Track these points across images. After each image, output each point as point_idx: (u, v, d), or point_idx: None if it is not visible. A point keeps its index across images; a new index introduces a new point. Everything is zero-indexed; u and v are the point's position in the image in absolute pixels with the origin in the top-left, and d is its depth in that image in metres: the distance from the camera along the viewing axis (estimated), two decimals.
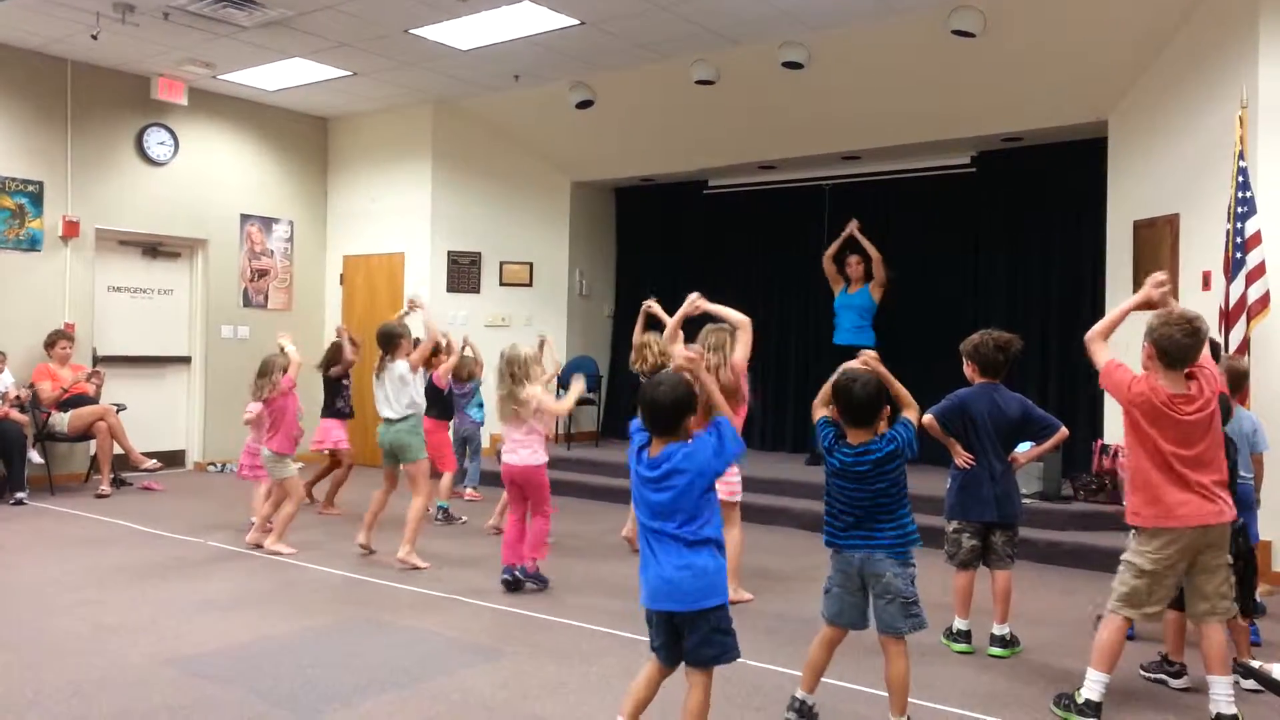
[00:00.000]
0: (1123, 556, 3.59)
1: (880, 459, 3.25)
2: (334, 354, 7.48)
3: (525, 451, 5.23)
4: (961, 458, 4.34)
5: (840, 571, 3.36)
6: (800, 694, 3.43)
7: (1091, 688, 3.46)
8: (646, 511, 2.99)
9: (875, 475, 3.26)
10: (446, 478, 7.25)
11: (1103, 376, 3.57)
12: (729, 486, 5.05)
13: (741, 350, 4.92)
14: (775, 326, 9.73)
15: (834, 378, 3.36)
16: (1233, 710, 3.39)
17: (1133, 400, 3.46)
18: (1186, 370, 3.47)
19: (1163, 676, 3.93)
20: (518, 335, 9.67)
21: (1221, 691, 3.41)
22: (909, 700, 3.30)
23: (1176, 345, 3.41)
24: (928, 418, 4.29)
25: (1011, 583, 4.35)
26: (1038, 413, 4.42)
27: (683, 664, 3.01)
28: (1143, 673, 4.01)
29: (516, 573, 5.21)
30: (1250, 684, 3.80)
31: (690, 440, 2.99)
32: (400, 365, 5.82)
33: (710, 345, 4.95)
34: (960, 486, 4.38)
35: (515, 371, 5.20)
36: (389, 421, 5.81)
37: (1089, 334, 3.66)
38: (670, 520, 2.94)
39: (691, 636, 2.95)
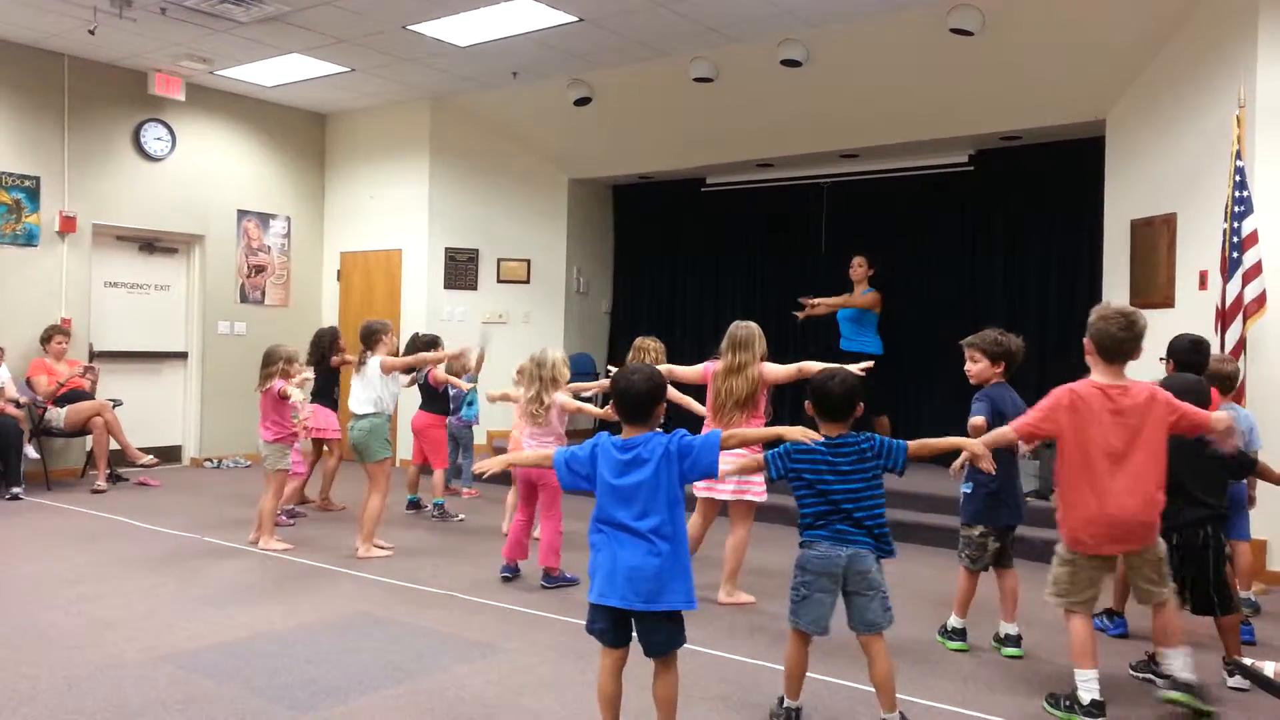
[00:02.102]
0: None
1: (864, 450, 3.28)
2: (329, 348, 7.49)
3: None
4: (988, 462, 4.22)
5: (821, 574, 3.26)
6: (790, 702, 3.39)
7: (1086, 687, 3.45)
8: (610, 500, 2.99)
9: (856, 469, 3.27)
10: (438, 474, 7.26)
11: None
12: (754, 486, 4.91)
13: (777, 372, 4.91)
14: (772, 324, 9.70)
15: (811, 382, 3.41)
16: (1188, 677, 3.43)
17: (1060, 403, 3.48)
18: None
19: (1151, 676, 3.94)
20: (515, 332, 9.72)
21: (1177, 662, 3.44)
22: (903, 697, 3.31)
23: (1112, 339, 3.44)
24: (980, 420, 4.13)
25: (1019, 580, 4.34)
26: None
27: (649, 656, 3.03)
28: (1131, 672, 4.01)
29: (524, 568, 5.32)
30: (1236, 681, 3.83)
31: (660, 431, 3.04)
32: (373, 362, 5.86)
33: (739, 341, 4.95)
34: (990, 493, 4.22)
35: (544, 375, 5.29)
36: (356, 417, 5.86)
37: None
38: (628, 509, 2.94)
39: (643, 624, 2.98)
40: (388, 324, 6.07)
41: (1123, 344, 3.43)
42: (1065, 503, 3.54)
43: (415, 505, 7.38)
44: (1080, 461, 3.45)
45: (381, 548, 5.90)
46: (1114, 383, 3.45)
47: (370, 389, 5.84)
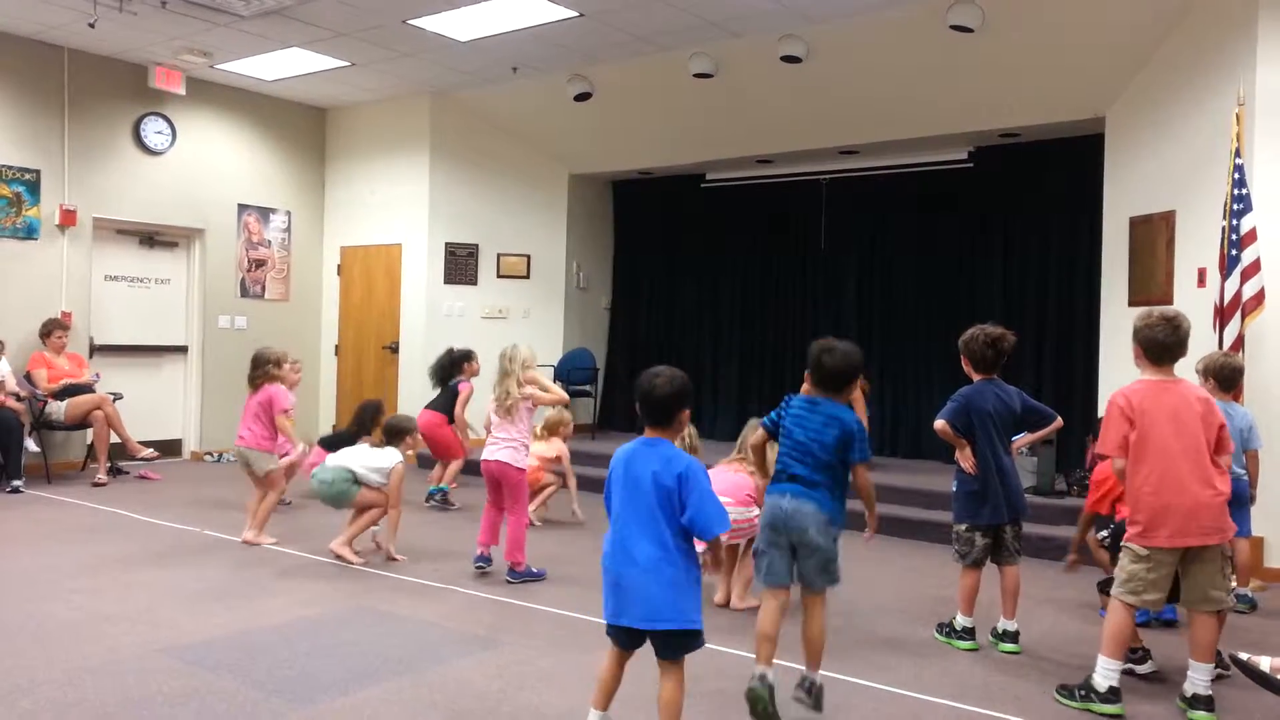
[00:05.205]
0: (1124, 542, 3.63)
1: (833, 415, 3.48)
2: None
3: (508, 451, 5.25)
4: (969, 462, 4.24)
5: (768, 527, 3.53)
6: (762, 669, 3.37)
7: (1108, 675, 3.52)
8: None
9: (824, 426, 3.48)
10: (438, 467, 7.61)
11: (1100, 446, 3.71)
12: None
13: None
14: (771, 318, 9.75)
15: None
16: (1208, 692, 3.48)
17: (1125, 416, 3.55)
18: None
19: (1130, 665, 3.95)
20: (515, 327, 9.72)
21: (1200, 676, 3.52)
22: (899, 691, 3.32)
23: (1157, 344, 3.58)
24: (939, 423, 4.28)
25: (1020, 578, 4.35)
26: (1033, 403, 4.41)
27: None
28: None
29: (489, 559, 5.36)
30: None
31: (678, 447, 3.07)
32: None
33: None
34: (968, 493, 4.28)
35: (510, 368, 5.30)
36: None
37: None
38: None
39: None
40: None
41: (1170, 346, 3.59)
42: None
43: (434, 497, 7.58)
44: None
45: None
46: (1165, 379, 3.60)
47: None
